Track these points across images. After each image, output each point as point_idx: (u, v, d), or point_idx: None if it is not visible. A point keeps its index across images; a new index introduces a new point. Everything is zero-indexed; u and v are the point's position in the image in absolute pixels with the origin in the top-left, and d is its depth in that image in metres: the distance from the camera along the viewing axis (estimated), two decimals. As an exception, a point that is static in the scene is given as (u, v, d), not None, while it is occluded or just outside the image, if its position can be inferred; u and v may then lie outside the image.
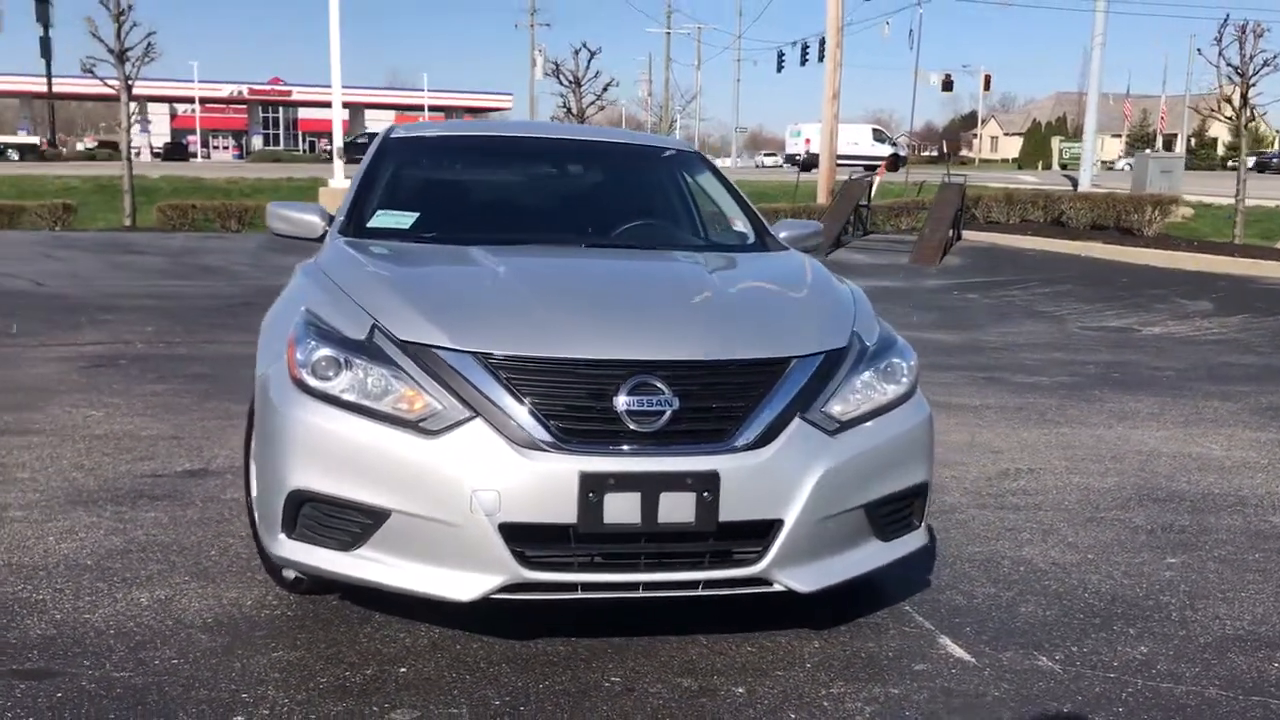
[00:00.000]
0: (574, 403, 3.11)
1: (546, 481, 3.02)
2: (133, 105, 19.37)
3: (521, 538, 3.04)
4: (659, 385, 3.12)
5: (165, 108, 76.45)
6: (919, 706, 3.11)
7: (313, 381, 3.20)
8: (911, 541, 3.57)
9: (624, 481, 3.03)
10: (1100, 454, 6.19)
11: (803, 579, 3.23)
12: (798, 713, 3.05)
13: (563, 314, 3.36)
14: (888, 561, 3.49)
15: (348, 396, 3.17)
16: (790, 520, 3.16)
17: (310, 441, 3.17)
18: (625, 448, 3.08)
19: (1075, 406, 7.56)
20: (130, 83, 19.24)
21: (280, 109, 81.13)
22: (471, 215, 4.70)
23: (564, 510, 3.02)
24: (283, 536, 3.26)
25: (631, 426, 3.09)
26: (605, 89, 22.77)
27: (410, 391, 3.13)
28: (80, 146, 71.71)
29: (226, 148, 79.20)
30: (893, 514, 3.48)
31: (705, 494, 3.07)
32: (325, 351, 3.22)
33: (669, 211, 4.87)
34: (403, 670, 3.23)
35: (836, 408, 3.33)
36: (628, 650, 3.40)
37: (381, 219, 4.40)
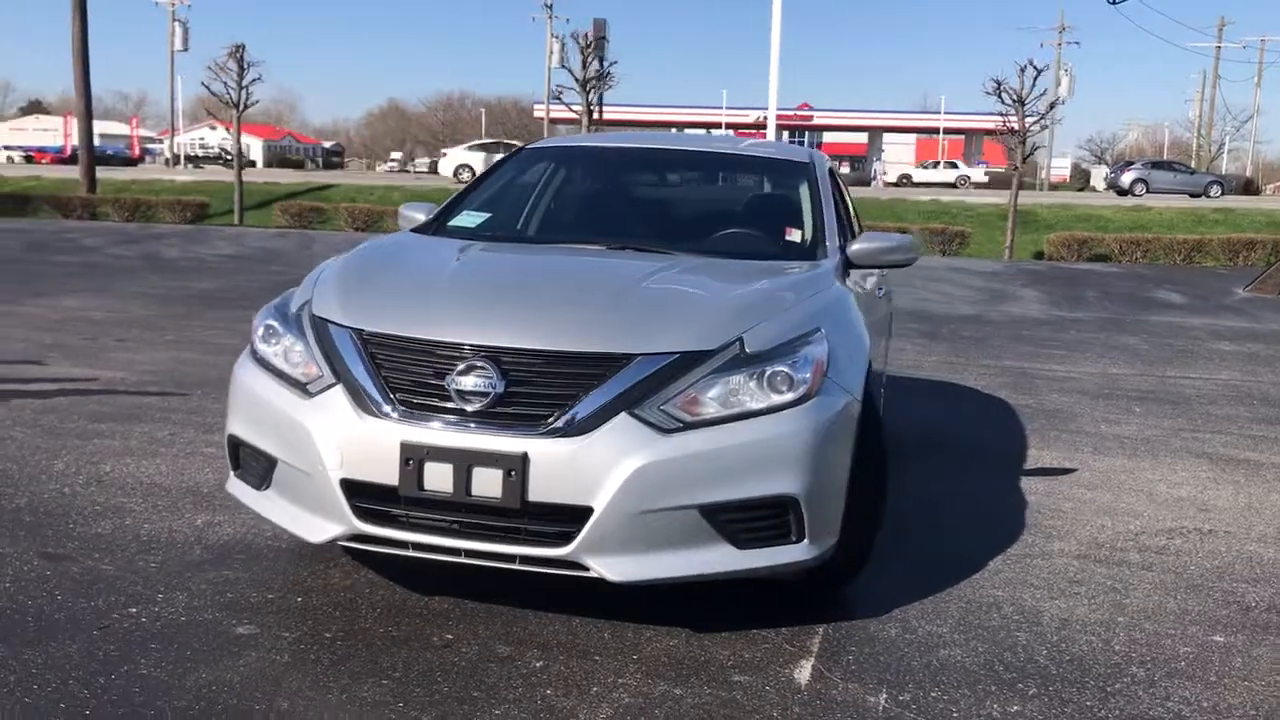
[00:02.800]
0: (417, 379, 3.43)
1: (375, 446, 3.38)
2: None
3: (359, 494, 3.42)
4: (488, 368, 3.36)
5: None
6: (672, 709, 3.07)
7: (259, 346, 3.81)
8: (781, 554, 3.44)
9: (437, 453, 3.31)
10: (1333, 526, 5.24)
11: (616, 569, 3.30)
12: (554, 690, 3.15)
13: (444, 300, 3.69)
14: (740, 569, 3.42)
15: (276, 361, 3.73)
16: (600, 508, 3.25)
17: (244, 396, 3.77)
18: (446, 422, 3.35)
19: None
20: (592, 108, 21.43)
21: (805, 133, 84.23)
22: (534, 217, 5.08)
23: (388, 474, 3.36)
24: (232, 474, 3.90)
25: (461, 405, 3.36)
26: (1051, 107, 21.61)
27: (309, 358, 3.63)
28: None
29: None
30: (749, 521, 3.40)
31: (512, 473, 3.26)
32: (269, 322, 3.82)
33: (736, 218, 4.91)
34: (298, 600, 3.74)
35: (685, 408, 3.35)
36: (498, 617, 3.64)
37: (462, 218, 4.92)
